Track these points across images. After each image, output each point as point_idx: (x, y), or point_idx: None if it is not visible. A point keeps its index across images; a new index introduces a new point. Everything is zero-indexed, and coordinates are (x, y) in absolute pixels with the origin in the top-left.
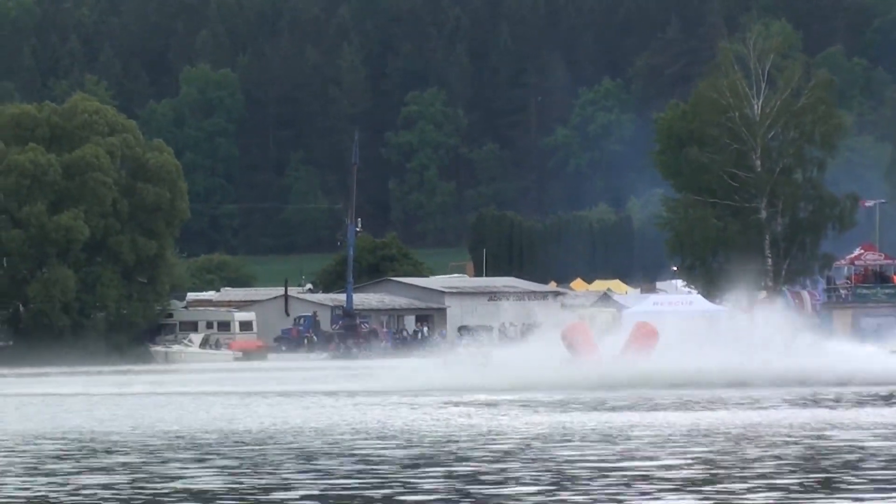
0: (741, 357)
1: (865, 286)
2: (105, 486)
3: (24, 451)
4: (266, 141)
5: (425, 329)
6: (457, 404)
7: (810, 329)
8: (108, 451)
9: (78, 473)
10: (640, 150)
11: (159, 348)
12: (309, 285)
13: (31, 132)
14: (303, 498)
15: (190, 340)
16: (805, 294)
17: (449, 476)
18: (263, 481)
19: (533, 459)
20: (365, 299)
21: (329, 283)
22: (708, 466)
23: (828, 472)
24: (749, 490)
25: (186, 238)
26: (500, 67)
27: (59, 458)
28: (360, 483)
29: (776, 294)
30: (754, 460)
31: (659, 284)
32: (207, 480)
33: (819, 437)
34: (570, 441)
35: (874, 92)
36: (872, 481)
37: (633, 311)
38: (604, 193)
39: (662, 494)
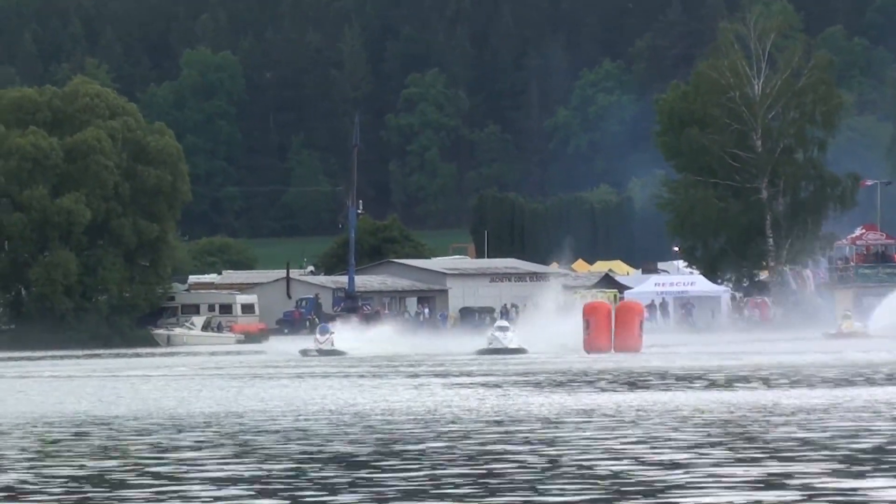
0: None
1: (867, 266)
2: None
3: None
4: (267, 124)
5: (426, 311)
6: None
7: None
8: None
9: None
10: (641, 131)
11: (161, 331)
12: (311, 268)
13: (32, 115)
14: None
15: (192, 323)
16: (807, 273)
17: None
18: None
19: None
20: (367, 281)
21: (331, 265)
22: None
23: None
24: None
25: (188, 221)
26: (501, 49)
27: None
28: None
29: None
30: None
31: (660, 265)
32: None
33: None
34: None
35: (875, 72)
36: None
37: (634, 293)
38: (605, 175)
39: None
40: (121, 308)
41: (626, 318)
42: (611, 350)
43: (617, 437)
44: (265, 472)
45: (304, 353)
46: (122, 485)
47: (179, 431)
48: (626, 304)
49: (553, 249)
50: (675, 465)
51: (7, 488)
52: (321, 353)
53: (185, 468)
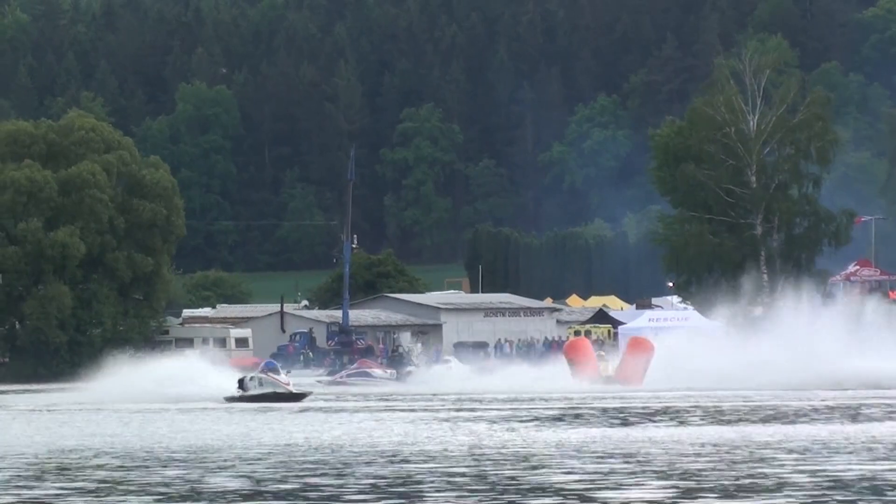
0: None
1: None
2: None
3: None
4: (262, 158)
5: (420, 345)
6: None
7: None
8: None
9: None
10: (636, 167)
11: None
12: (305, 302)
13: (27, 149)
14: None
15: (186, 357)
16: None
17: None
18: None
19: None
20: (361, 315)
21: (325, 299)
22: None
23: None
24: None
25: (182, 255)
26: (496, 84)
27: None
28: None
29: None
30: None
31: (655, 300)
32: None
33: None
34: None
35: (870, 108)
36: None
37: (628, 328)
38: (599, 210)
39: None
40: (115, 341)
41: (633, 354)
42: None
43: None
44: None
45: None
46: None
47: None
48: (638, 341)
49: (547, 284)
50: None
51: None
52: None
53: None
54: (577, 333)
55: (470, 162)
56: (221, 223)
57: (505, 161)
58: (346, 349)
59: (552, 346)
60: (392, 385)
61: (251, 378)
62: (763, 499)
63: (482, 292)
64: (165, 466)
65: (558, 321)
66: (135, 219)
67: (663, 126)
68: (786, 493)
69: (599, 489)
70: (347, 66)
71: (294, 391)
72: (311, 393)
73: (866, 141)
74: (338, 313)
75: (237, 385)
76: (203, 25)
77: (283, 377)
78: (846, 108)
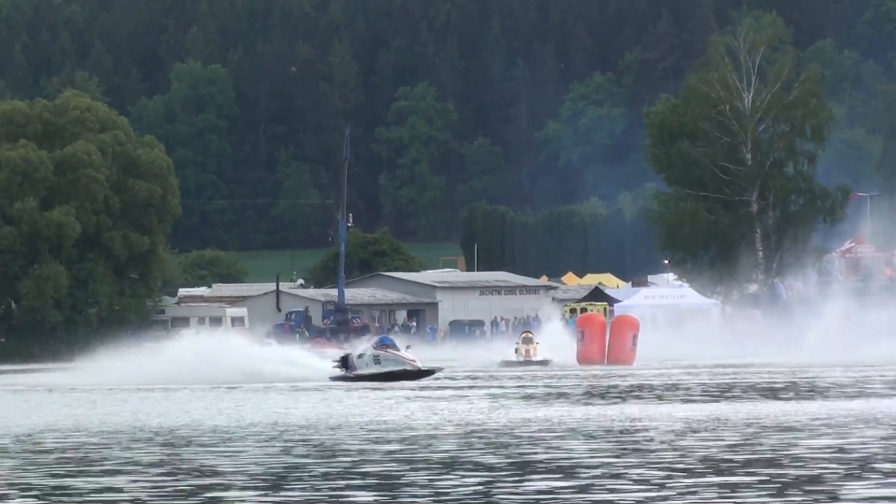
0: None
1: (857, 279)
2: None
3: None
4: (257, 137)
5: (414, 324)
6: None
7: None
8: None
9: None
10: (631, 144)
11: (151, 344)
12: (300, 281)
13: (22, 128)
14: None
15: (181, 337)
16: (798, 285)
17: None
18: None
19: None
20: (356, 294)
21: (321, 278)
22: None
23: None
24: None
25: (178, 234)
26: (491, 62)
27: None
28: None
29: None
30: None
31: (650, 278)
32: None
33: None
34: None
35: (865, 84)
36: None
37: (624, 306)
38: (595, 187)
39: None
40: (111, 321)
41: (619, 332)
42: (603, 362)
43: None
44: None
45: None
46: None
47: None
48: (621, 318)
49: (543, 263)
50: None
51: None
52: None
53: None
54: (573, 311)
55: (465, 140)
56: (217, 202)
57: (500, 139)
58: (341, 328)
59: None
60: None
61: (360, 356)
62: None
63: (478, 271)
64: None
65: (554, 299)
66: (130, 198)
67: (658, 104)
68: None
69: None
70: (342, 45)
71: (422, 367)
72: (441, 369)
73: (861, 117)
74: (333, 292)
75: (338, 364)
76: (198, 4)
77: (405, 352)
78: (841, 84)
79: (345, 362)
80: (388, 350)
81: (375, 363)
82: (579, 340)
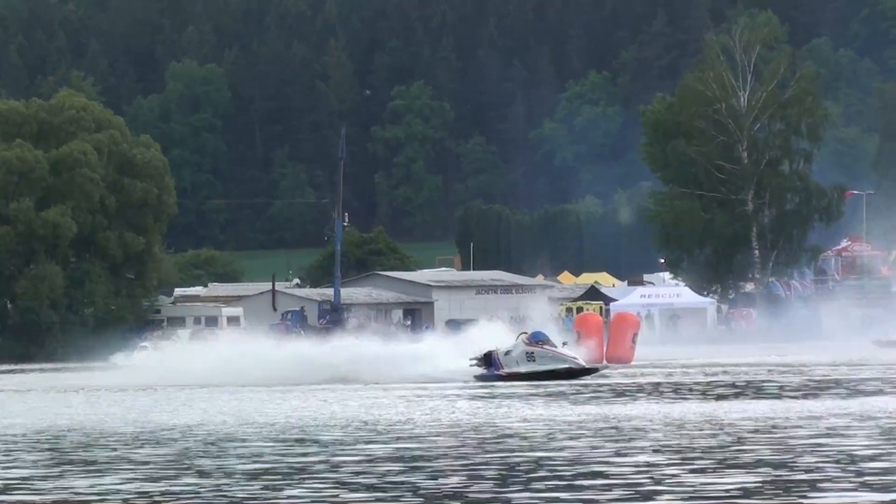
0: None
1: (853, 277)
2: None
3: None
4: (253, 136)
5: (409, 322)
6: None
7: None
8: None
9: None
10: (627, 143)
11: (147, 344)
12: (296, 280)
13: (18, 128)
14: None
15: (178, 336)
16: (794, 283)
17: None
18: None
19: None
20: (352, 294)
21: (317, 277)
22: None
23: None
24: None
25: (174, 233)
26: (487, 61)
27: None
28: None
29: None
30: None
31: (646, 277)
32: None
33: None
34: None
35: (860, 83)
36: None
37: (620, 304)
38: (591, 186)
39: None
40: (107, 321)
41: (619, 330)
42: (602, 361)
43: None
44: None
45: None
46: None
47: None
48: (621, 316)
49: (539, 262)
50: None
51: None
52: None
53: None
54: (568, 311)
55: (461, 139)
56: (213, 202)
57: (495, 138)
58: (337, 327)
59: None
60: None
61: (507, 353)
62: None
63: (473, 270)
64: None
65: (550, 298)
66: (126, 198)
67: (654, 102)
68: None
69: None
70: (338, 45)
71: (586, 365)
72: (606, 366)
73: (857, 116)
74: (329, 291)
75: (479, 362)
76: (193, 4)
77: (565, 349)
78: (836, 83)
79: (488, 360)
80: (545, 346)
81: (529, 360)
82: (577, 340)
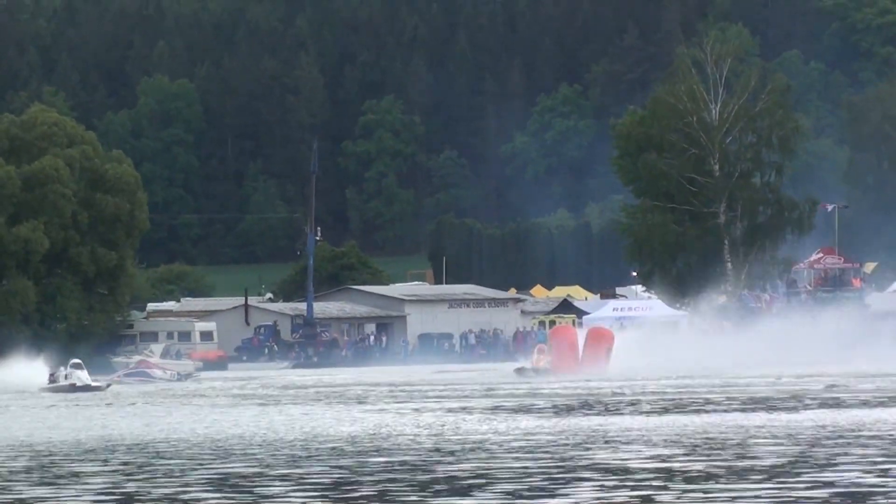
0: None
1: (825, 290)
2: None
3: None
4: (224, 151)
5: (384, 338)
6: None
7: None
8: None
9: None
10: (599, 156)
11: (120, 359)
12: (269, 295)
13: None
14: None
15: (151, 351)
16: (766, 297)
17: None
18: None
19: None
20: (325, 308)
21: (289, 292)
22: None
23: None
24: None
25: (146, 248)
26: (458, 75)
27: None
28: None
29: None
30: None
31: (619, 290)
32: None
33: None
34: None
35: (832, 95)
36: None
37: (593, 318)
38: (563, 200)
39: None
40: (79, 336)
41: (595, 343)
42: (576, 373)
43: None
44: None
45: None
46: None
47: None
48: (597, 330)
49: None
50: None
51: None
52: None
53: None
54: (541, 324)
55: (432, 153)
56: (185, 217)
57: (467, 152)
58: (310, 342)
59: (518, 337)
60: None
61: None
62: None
63: (446, 283)
64: None
65: (523, 312)
66: (98, 213)
67: (625, 115)
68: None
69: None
70: (309, 59)
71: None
72: None
73: (828, 128)
74: (302, 306)
75: None
76: (164, 19)
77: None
78: (807, 95)
79: None
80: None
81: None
82: (552, 352)
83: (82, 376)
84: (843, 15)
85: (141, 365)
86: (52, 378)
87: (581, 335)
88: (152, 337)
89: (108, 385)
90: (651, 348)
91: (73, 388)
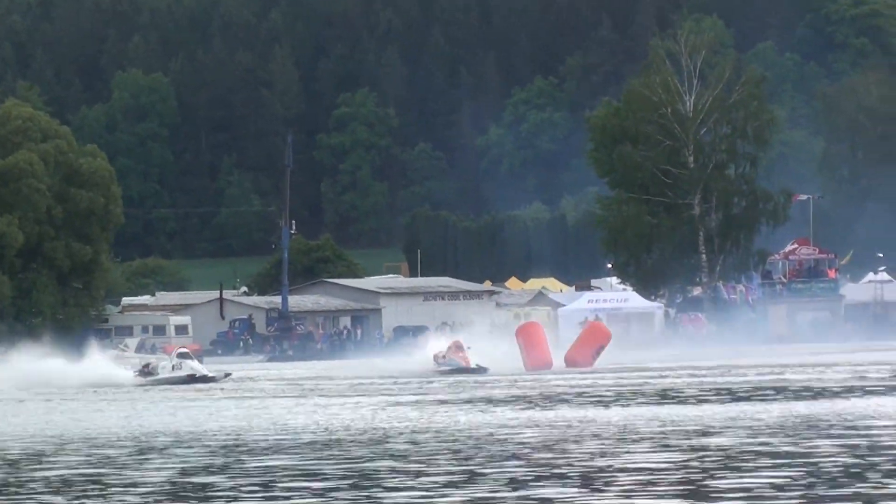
0: None
1: (800, 281)
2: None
3: None
4: (199, 145)
5: (359, 331)
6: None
7: None
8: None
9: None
10: (574, 149)
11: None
12: (244, 288)
13: None
14: None
15: (126, 345)
16: (741, 288)
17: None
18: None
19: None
20: (300, 301)
21: (264, 285)
22: None
23: None
24: None
25: (121, 243)
26: (433, 68)
27: None
28: None
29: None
30: None
31: (594, 282)
32: None
33: None
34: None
35: (806, 87)
36: None
37: (568, 310)
38: (537, 192)
39: None
40: (55, 331)
41: (588, 337)
42: (549, 367)
43: None
44: None
45: None
46: None
47: None
48: (595, 326)
49: (486, 268)
50: None
51: None
52: None
53: None
54: (516, 317)
55: (407, 146)
56: (159, 211)
57: (442, 145)
58: (285, 335)
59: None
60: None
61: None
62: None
63: (421, 276)
64: None
65: (498, 304)
66: (73, 208)
67: (600, 108)
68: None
69: None
70: (283, 52)
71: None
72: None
73: (803, 120)
74: (277, 299)
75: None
76: (139, 13)
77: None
78: (782, 87)
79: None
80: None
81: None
82: (523, 348)
83: (196, 366)
84: (818, 6)
85: None
86: (146, 370)
87: (579, 331)
88: (127, 331)
89: (227, 375)
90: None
91: (192, 380)
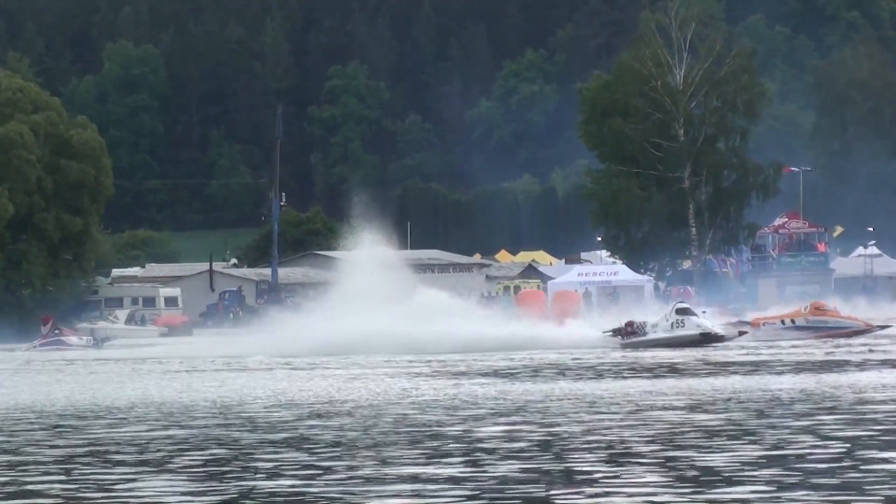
0: None
1: (790, 254)
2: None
3: None
4: (190, 116)
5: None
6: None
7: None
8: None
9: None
10: (564, 121)
11: (85, 325)
12: (234, 260)
13: None
14: None
15: (115, 317)
16: (731, 261)
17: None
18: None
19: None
20: (290, 273)
21: (254, 257)
22: None
23: None
24: None
25: (111, 214)
26: (423, 40)
27: None
28: None
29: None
30: None
31: (584, 255)
32: None
33: None
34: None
35: (796, 60)
36: None
37: (558, 282)
38: (528, 165)
39: None
40: (45, 302)
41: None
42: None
43: None
44: None
45: None
46: None
47: None
48: (562, 294)
49: (476, 240)
50: None
51: None
52: None
53: None
54: (506, 289)
55: (397, 119)
56: (150, 182)
57: (432, 117)
58: (275, 307)
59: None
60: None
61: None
62: None
63: (411, 249)
64: None
65: (487, 277)
66: (63, 179)
67: (590, 80)
68: None
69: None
70: (274, 24)
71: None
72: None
73: (793, 93)
74: (267, 271)
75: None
76: None
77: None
78: (773, 60)
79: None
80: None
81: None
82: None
83: (702, 322)
84: None
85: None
86: (629, 330)
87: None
88: (117, 303)
89: (741, 333)
90: None
91: (706, 339)
